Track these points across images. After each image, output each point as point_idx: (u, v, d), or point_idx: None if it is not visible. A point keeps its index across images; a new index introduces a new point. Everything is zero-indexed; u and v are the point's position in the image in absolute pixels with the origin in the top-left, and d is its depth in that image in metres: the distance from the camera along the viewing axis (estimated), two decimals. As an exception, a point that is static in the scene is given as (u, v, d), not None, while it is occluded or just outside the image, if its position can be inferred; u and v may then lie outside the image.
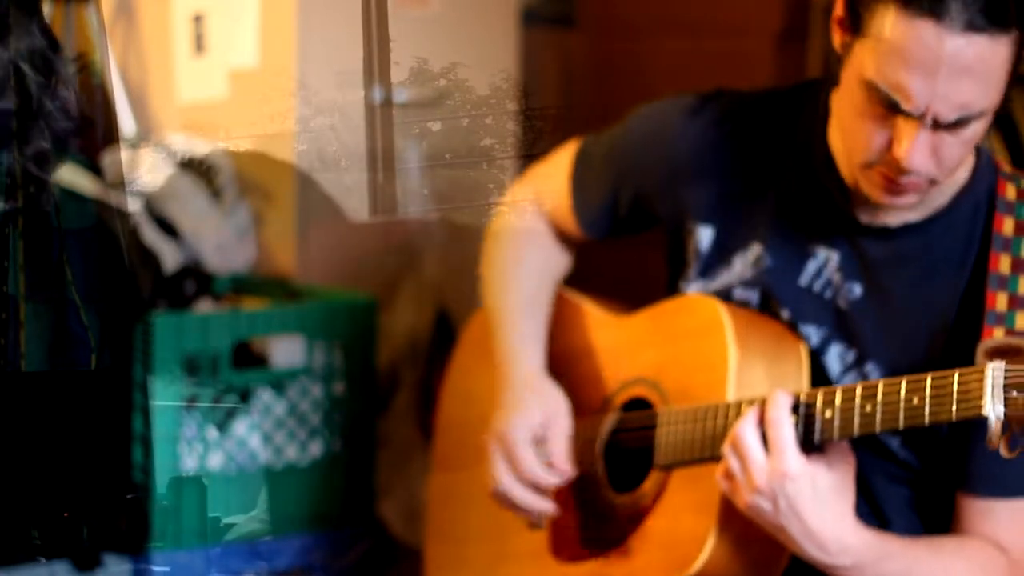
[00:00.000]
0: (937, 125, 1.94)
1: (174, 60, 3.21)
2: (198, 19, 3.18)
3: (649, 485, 2.21)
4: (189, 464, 2.87)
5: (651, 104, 2.36)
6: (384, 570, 3.10)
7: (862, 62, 1.98)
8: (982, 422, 1.84)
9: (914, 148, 1.96)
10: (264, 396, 2.95)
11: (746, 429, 1.99)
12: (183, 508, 2.86)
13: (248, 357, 2.97)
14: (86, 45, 3.13)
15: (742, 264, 2.20)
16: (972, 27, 1.89)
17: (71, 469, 2.78)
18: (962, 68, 1.90)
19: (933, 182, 2.01)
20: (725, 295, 2.20)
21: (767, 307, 2.18)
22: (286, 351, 2.98)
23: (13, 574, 2.75)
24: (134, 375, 2.84)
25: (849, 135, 2.05)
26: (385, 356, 3.19)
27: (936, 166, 1.99)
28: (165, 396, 2.84)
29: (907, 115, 1.96)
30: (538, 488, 2.29)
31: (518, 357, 2.37)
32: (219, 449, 2.90)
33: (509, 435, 2.30)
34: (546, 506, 2.28)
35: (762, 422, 2.00)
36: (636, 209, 2.34)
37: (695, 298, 2.22)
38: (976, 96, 1.92)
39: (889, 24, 1.94)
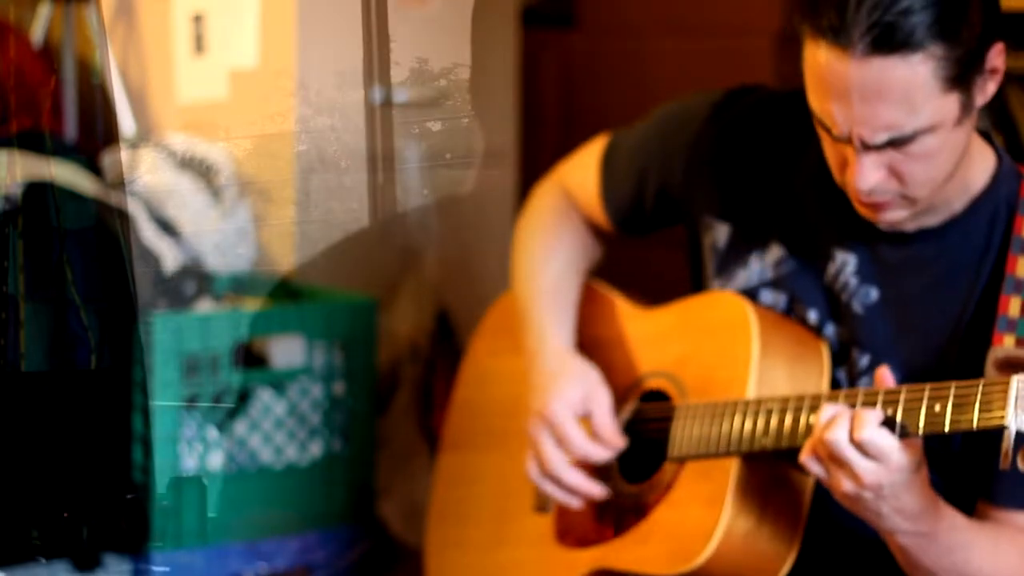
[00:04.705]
0: (868, 147, 1.94)
1: (174, 60, 3.21)
2: (198, 19, 3.18)
3: (661, 477, 2.22)
4: (189, 464, 2.87)
5: (679, 99, 2.37)
6: (384, 570, 3.10)
7: (807, 92, 2.00)
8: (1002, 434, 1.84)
9: (859, 172, 1.96)
10: (264, 396, 2.95)
11: (840, 440, 1.96)
12: (183, 508, 2.86)
13: (248, 357, 2.97)
14: (86, 45, 3.14)
15: (759, 264, 2.21)
16: (876, 50, 1.88)
17: (70, 469, 2.78)
18: (874, 92, 1.90)
19: (910, 199, 2.01)
20: (751, 297, 2.21)
21: (794, 309, 2.19)
22: (286, 351, 2.98)
23: (13, 574, 2.75)
24: (134, 375, 2.84)
25: (826, 158, 2.07)
26: (385, 356, 3.19)
27: (899, 184, 1.98)
28: (165, 396, 2.84)
29: (840, 140, 1.97)
30: (587, 466, 2.28)
31: (548, 338, 2.38)
32: (219, 449, 2.90)
33: (554, 415, 2.29)
34: (597, 489, 2.28)
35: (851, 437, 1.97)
36: (661, 202, 2.35)
37: (723, 295, 2.24)
38: (900, 117, 1.91)
39: (808, 53, 1.97)
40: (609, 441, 2.27)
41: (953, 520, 1.99)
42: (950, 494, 2.05)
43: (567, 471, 2.28)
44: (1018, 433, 1.83)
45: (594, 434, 2.28)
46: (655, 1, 3.44)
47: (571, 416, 2.28)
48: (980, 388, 1.86)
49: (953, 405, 1.87)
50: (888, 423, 1.91)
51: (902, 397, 1.92)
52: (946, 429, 1.88)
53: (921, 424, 1.89)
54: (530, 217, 2.51)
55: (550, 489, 2.30)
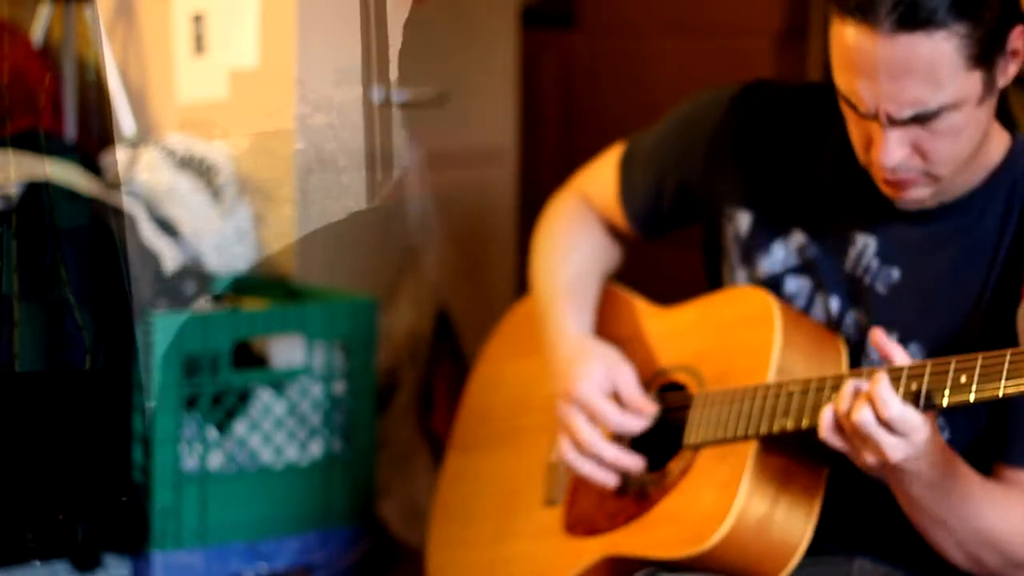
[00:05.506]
0: (894, 123, 1.99)
1: (174, 60, 3.21)
2: (198, 19, 3.18)
3: (675, 465, 2.22)
4: (189, 464, 2.87)
5: (695, 95, 2.40)
6: (384, 570, 3.10)
7: (833, 71, 2.05)
8: None
9: (884, 148, 2.02)
10: (264, 396, 2.95)
11: (867, 420, 1.98)
12: (183, 508, 2.86)
13: (248, 357, 2.97)
14: (86, 45, 3.14)
15: (783, 251, 2.24)
16: (902, 27, 1.94)
17: (66, 470, 2.78)
18: (901, 68, 1.96)
19: (933, 177, 2.05)
20: (776, 284, 2.24)
21: (817, 296, 2.20)
22: (286, 351, 2.97)
23: (12, 574, 2.75)
24: (134, 375, 2.84)
25: (851, 138, 2.11)
26: (385, 356, 3.19)
27: (922, 161, 2.03)
28: (165, 396, 2.83)
29: (867, 117, 2.02)
30: (622, 441, 2.30)
31: (565, 329, 2.40)
32: (219, 449, 2.90)
33: (581, 394, 2.30)
34: (636, 461, 2.28)
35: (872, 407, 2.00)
36: (681, 200, 2.38)
37: (747, 289, 2.26)
38: (925, 92, 1.97)
39: (834, 33, 2.02)
40: (641, 409, 2.29)
41: (964, 473, 2.03)
42: (968, 455, 2.08)
43: (605, 446, 2.29)
44: None
45: (625, 406, 2.30)
46: (655, 1, 3.44)
47: (599, 393, 2.30)
48: (1008, 357, 1.89)
49: (980, 375, 1.90)
50: (913, 396, 1.94)
51: (927, 371, 1.95)
52: (971, 399, 1.91)
53: (947, 395, 1.93)
54: (548, 222, 2.54)
55: (588, 469, 2.30)
